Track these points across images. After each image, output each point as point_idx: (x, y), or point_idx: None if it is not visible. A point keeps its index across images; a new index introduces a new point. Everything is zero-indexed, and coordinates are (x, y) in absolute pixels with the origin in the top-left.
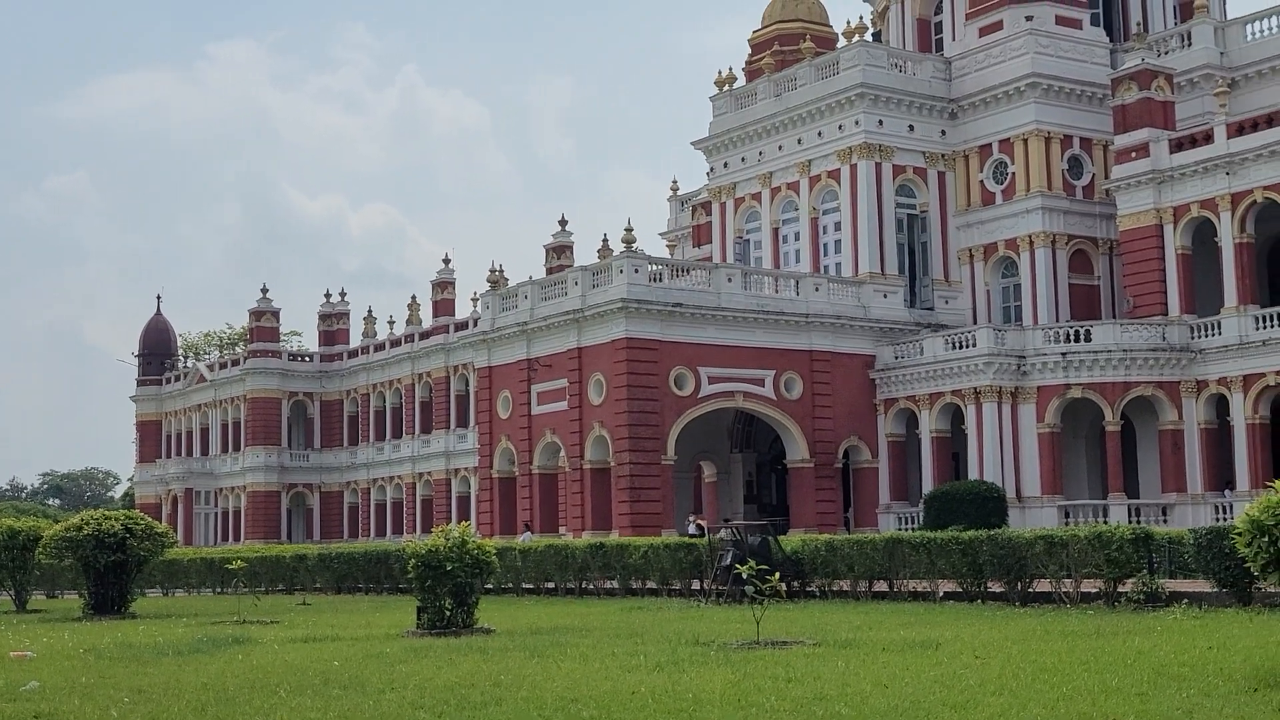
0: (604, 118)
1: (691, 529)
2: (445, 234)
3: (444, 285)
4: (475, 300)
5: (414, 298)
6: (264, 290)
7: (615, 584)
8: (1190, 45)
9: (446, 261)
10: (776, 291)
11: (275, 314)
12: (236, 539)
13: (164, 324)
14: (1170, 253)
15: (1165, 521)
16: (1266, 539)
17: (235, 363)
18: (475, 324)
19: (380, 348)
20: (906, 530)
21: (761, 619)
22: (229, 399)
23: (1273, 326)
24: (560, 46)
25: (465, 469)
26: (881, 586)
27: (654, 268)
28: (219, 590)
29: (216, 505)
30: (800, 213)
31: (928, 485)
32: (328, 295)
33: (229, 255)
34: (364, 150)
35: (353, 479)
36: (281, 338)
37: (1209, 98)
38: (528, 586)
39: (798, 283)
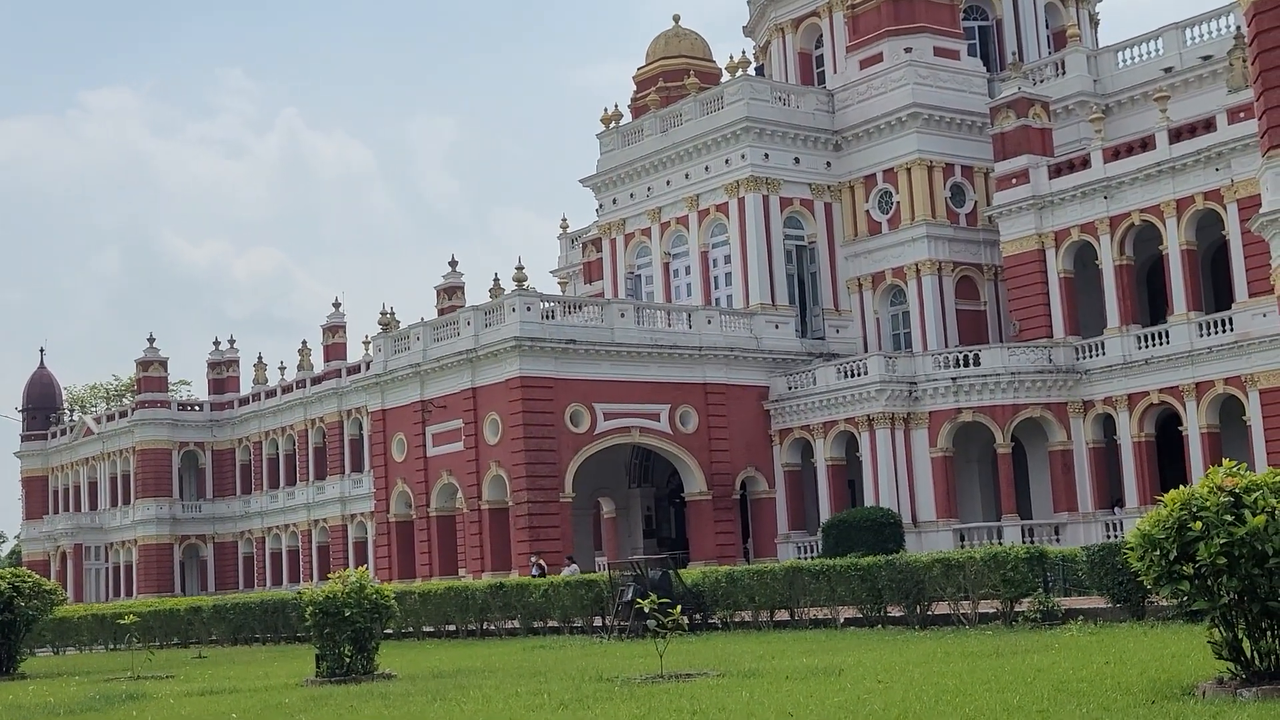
0: (489, 157)
1: (534, 571)
2: (334, 277)
3: (335, 329)
4: (367, 343)
5: (305, 343)
6: (150, 340)
7: (517, 624)
8: (1065, 73)
9: (337, 305)
10: (669, 325)
11: (163, 363)
12: (129, 593)
13: (48, 377)
14: (1053, 276)
15: (1058, 540)
16: (1158, 553)
17: (123, 414)
18: (368, 367)
19: (272, 394)
20: (806, 559)
21: (665, 652)
22: (117, 451)
23: (1154, 346)
24: (440, 86)
25: (362, 514)
26: (783, 615)
27: (546, 305)
28: (112, 646)
29: (107, 560)
30: (690, 247)
31: (825, 513)
32: (216, 343)
33: (112, 305)
34: (247, 195)
35: (247, 528)
36: (170, 387)
37: (1084, 124)
38: (429, 630)
39: (690, 316)
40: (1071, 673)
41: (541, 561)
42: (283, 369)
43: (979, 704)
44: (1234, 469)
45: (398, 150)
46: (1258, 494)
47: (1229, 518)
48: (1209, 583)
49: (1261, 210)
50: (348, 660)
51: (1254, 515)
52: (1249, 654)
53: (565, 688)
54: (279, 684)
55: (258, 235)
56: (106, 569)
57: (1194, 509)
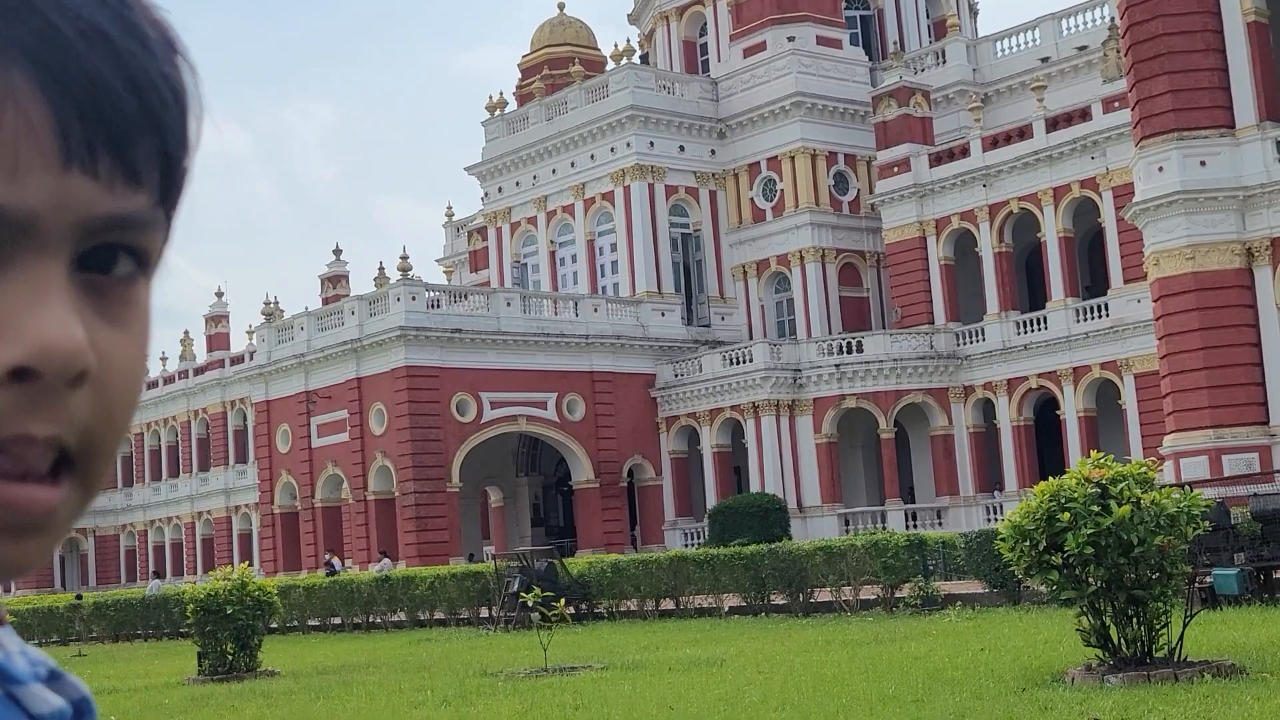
0: (370, 144)
1: (326, 570)
2: (215, 266)
3: (217, 319)
4: (251, 333)
5: (187, 332)
6: None
7: (403, 616)
8: (945, 63)
9: (220, 295)
10: (556, 314)
11: None
12: (8, 590)
13: None
14: (934, 263)
15: (940, 524)
16: (1028, 543)
17: None
18: (251, 357)
19: (153, 385)
20: (692, 545)
21: (549, 645)
22: None
23: (1033, 331)
24: (316, 70)
25: (246, 505)
26: (669, 605)
27: (432, 294)
28: None
29: None
30: (576, 235)
31: (711, 500)
32: None
33: None
34: None
35: (129, 521)
36: None
37: (964, 113)
38: (314, 623)
39: (576, 304)
40: (947, 660)
41: (334, 560)
42: (164, 359)
43: (855, 693)
44: (1101, 460)
45: (276, 136)
46: (1123, 485)
47: (1096, 508)
48: (1077, 572)
49: (1135, 199)
50: (230, 658)
51: (1119, 505)
52: (1116, 641)
53: (449, 683)
54: (160, 683)
55: None
56: None
57: (1062, 500)
